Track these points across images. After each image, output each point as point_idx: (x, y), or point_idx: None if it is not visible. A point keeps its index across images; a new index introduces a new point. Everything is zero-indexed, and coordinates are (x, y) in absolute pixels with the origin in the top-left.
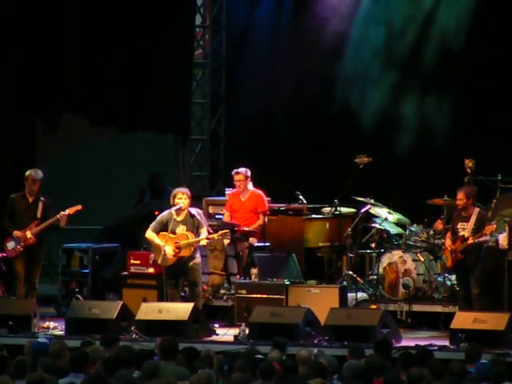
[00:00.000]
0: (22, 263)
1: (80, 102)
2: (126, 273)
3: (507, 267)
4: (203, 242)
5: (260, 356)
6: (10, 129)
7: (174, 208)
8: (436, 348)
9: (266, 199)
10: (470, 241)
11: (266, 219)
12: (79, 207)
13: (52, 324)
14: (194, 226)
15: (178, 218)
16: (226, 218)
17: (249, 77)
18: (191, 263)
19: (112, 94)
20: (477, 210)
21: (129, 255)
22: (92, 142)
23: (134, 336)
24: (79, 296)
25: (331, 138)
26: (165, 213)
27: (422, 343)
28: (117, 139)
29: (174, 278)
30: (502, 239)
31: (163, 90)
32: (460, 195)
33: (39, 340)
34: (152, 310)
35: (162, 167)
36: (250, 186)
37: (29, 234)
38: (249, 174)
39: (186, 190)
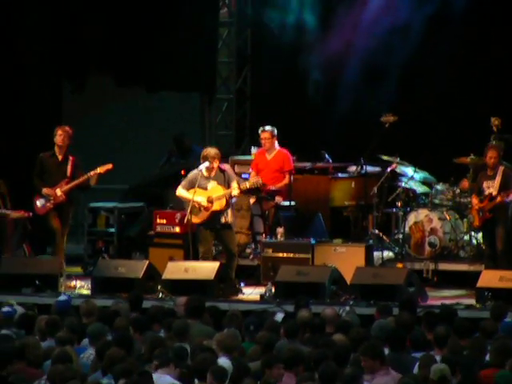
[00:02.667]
0: (56, 219)
1: (106, 62)
2: (152, 232)
3: None
4: (235, 192)
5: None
6: (37, 89)
7: (203, 166)
8: (462, 307)
9: (292, 158)
10: (500, 199)
11: (292, 178)
12: (109, 166)
13: (78, 283)
14: (224, 181)
15: (208, 174)
16: (253, 176)
17: (274, 35)
18: (223, 221)
19: (138, 54)
20: (501, 168)
21: (155, 214)
22: (118, 102)
23: (160, 295)
24: (105, 255)
25: (357, 96)
26: (194, 170)
27: (447, 302)
28: (143, 99)
29: (208, 233)
30: None
31: (189, 50)
32: (493, 153)
33: (60, 299)
34: (178, 269)
35: (188, 127)
36: (276, 145)
37: (59, 192)
38: (275, 132)
39: (217, 151)
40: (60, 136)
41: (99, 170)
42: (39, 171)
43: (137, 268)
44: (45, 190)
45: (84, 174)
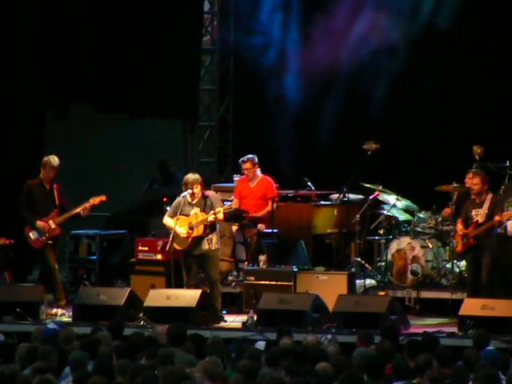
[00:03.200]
0: (53, 256)
1: (89, 89)
2: (133, 259)
3: None
4: (211, 218)
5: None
6: (20, 116)
7: (186, 192)
8: (444, 335)
9: (275, 185)
10: (497, 218)
11: (275, 205)
12: (103, 198)
13: (60, 311)
14: (207, 207)
15: (192, 201)
16: (235, 204)
17: (257, 63)
18: (207, 247)
19: (121, 80)
20: (490, 195)
21: (137, 242)
22: (101, 129)
23: (141, 323)
24: (87, 283)
25: (339, 125)
26: (179, 197)
27: (430, 330)
28: (126, 126)
29: (191, 260)
30: (511, 226)
31: (172, 77)
32: (476, 180)
33: (49, 326)
34: (160, 296)
35: (171, 154)
36: (259, 172)
37: (53, 225)
38: (256, 160)
39: (196, 177)
40: (47, 172)
41: (92, 201)
42: (27, 200)
43: (118, 295)
44: (39, 224)
45: (68, 201)
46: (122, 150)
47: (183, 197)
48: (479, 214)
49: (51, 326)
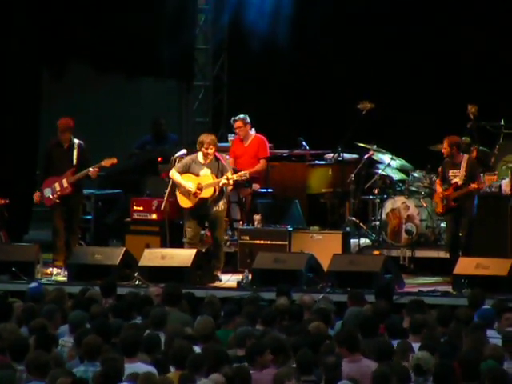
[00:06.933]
0: (60, 219)
1: (85, 48)
2: (128, 219)
3: (510, 213)
4: (223, 181)
5: (263, 303)
6: (16, 76)
7: (200, 153)
8: (439, 294)
9: (269, 145)
10: (473, 186)
11: (268, 164)
12: (114, 160)
13: (55, 270)
14: (218, 170)
15: (203, 161)
16: (231, 163)
17: (252, 20)
18: (214, 209)
19: (116, 40)
20: (465, 156)
21: (132, 201)
22: (97, 89)
23: (136, 282)
24: (82, 242)
25: (334, 84)
26: (191, 155)
27: (424, 289)
28: (122, 86)
29: (196, 219)
30: (505, 185)
31: (167, 37)
32: (444, 144)
33: (31, 286)
34: (155, 256)
35: (165, 113)
36: (252, 131)
37: (65, 183)
38: (247, 120)
39: (212, 138)
40: (61, 134)
41: (104, 163)
42: (46, 162)
43: (113, 255)
44: (46, 182)
45: (89, 161)
46: (118, 109)
47: (196, 155)
48: (457, 176)
49: (33, 285)
